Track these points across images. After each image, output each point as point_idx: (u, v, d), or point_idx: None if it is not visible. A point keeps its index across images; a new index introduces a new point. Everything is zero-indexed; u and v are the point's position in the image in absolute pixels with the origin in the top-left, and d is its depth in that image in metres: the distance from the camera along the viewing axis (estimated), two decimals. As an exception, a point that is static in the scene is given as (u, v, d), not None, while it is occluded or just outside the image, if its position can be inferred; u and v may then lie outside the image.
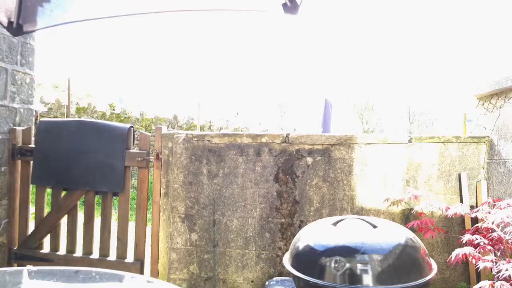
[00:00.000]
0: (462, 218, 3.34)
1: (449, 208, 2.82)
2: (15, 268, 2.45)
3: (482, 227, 2.55)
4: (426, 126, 30.37)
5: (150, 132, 11.56)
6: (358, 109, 31.01)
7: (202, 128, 11.71)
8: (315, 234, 2.16)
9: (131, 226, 3.76)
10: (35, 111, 8.40)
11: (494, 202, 2.82)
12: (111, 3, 2.07)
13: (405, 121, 35.02)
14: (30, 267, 1.85)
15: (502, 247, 2.45)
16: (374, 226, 2.14)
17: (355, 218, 2.28)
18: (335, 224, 2.21)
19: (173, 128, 11.68)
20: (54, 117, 11.17)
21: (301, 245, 2.18)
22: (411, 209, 3.40)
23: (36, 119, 9.88)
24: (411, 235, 2.14)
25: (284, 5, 1.96)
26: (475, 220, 3.10)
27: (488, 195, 3.37)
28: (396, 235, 2.06)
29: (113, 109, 11.54)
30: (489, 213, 2.59)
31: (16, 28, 2.15)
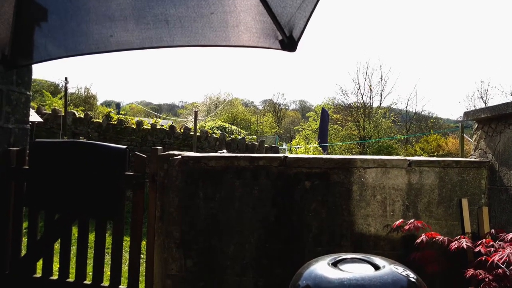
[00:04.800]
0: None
1: (451, 241, 2.77)
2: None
3: (487, 264, 2.49)
4: (423, 133, 30.41)
5: (146, 143, 11.51)
6: (355, 115, 31.09)
7: (198, 139, 11.65)
8: (315, 275, 2.09)
9: (125, 253, 3.70)
10: (31, 122, 8.34)
11: (497, 234, 2.77)
12: (106, 38, 2.02)
13: (402, 128, 35.12)
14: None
15: (508, 285, 2.40)
16: (376, 267, 2.09)
17: (356, 258, 2.22)
18: (335, 264, 2.16)
19: (170, 139, 11.62)
20: (50, 127, 11.10)
21: (300, 286, 2.12)
22: (412, 235, 3.33)
23: (32, 130, 9.82)
24: (414, 277, 2.08)
25: (281, 41, 1.92)
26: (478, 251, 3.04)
27: (490, 222, 3.32)
28: (399, 278, 2.00)
29: (110, 120, 11.46)
30: (493, 246, 2.54)
31: (10, 62, 2.09)
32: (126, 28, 2.01)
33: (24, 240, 3.95)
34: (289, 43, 1.89)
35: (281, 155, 3.67)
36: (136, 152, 3.84)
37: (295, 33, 1.87)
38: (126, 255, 5.07)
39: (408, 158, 3.52)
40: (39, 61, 2.13)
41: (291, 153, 15.21)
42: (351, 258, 2.23)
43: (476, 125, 3.72)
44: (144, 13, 1.96)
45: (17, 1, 2.01)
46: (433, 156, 24.09)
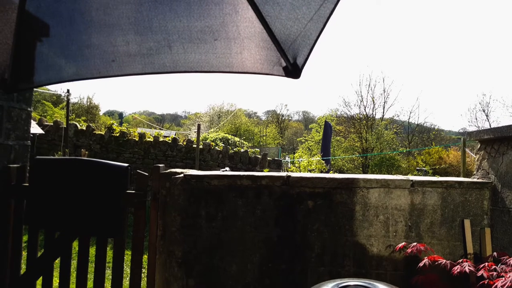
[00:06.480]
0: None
1: (453, 265, 2.74)
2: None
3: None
4: (425, 146, 30.36)
5: (149, 156, 11.51)
6: (358, 127, 31.06)
7: (201, 152, 11.64)
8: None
9: (126, 267, 3.67)
10: (32, 134, 8.35)
11: (500, 257, 2.75)
12: (108, 62, 2.01)
13: (404, 139, 35.08)
14: None
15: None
16: (378, 295, 2.06)
17: (359, 285, 2.20)
18: (337, 291, 2.14)
19: (172, 152, 11.61)
20: (51, 139, 11.12)
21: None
22: (415, 256, 3.30)
23: (34, 142, 9.83)
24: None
25: (285, 68, 1.92)
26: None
27: (492, 243, 3.29)
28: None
29: (112, 132, 11.48)
30: (495, 270, 2.52)
31: (10, 86, 2.09)
32: (129, 53, 2.01)
33: (24, 254, 3.92)
34: (293, 70, 1.88)
35: (284, 174, 3.66)
36: (138, 171, 3.82)
37: (299, 60, 1.86)
38: (127, 270, 5.05)
39: (411, 178, 3.50)
40: (40, 85, 2.13)
41: (293, 165, 15.18)
42: (355, 285, 2.20)
43: (479, 145, 3.70)
44: (146, 39, 1.96)
45: (17, 25, 2.01)
46: (435, 168, 24.02)
